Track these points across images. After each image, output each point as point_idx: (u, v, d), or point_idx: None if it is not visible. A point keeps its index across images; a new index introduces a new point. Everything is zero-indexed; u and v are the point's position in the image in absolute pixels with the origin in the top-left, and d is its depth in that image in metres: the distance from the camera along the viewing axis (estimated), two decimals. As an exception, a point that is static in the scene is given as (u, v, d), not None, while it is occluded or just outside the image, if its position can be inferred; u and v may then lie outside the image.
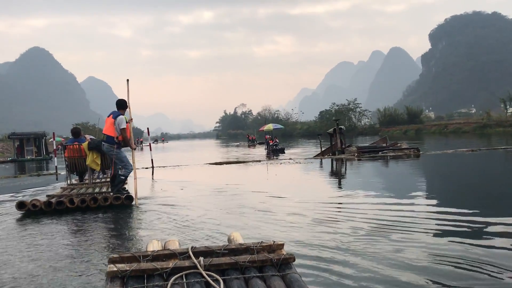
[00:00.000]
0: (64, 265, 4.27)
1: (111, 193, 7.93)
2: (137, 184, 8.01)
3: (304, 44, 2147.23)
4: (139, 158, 28.42)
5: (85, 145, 9.16)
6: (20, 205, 7.32)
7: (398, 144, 18.88)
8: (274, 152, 26.56)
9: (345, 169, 14.30)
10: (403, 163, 15.23)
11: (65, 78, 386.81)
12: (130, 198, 7.72)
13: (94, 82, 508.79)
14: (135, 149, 8.39)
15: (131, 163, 8.22)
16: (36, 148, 36.38)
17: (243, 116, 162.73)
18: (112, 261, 2.66)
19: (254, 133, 67.59)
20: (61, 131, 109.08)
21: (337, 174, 13.12)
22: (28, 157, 35.02)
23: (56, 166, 17.10)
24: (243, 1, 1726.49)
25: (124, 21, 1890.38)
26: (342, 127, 19.14)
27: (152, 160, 16.93)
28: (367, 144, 20.61)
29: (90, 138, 10.85)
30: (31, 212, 7.28)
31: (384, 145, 18.92)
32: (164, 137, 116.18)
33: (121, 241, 5.35)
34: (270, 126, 36.04)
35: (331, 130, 18.90)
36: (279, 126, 39.54)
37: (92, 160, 8.94)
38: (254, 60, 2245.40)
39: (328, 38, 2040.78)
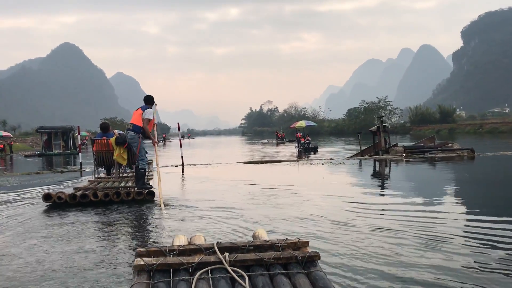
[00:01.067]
0: (90, 257, 4.28)
1: (136, 188, 8.02)
2: (168, 180, 7.99)
3: (331, 41, 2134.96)
4: (165, 154, 27.79)
5: (112, 140, 9.35)
6: (46, 197, 7.48)
7: (449, 144, 17.28)
8: (306, 151, 25.29)
9: (402, 172, 12.77)
10: (463, 166, 13.68)
11: (94, 74, 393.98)
12: (152, 193, 7.80)
13: (122, 78, 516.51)
14: (157, 143, 8.48)
15: (147, 158, 8.53)
16: (64, 142, 36.30)
17: (269, 113, 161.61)
18: (139, 254, 2.66)
19: (281, 130, 66.42)
20: (90, 125, 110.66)
21: (397, 178, 11.55)
22: (56, 151, 34.90)
23: (80, 162, 16.28)
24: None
25: (151, 18, 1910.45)
26: (386, 124, 17.68)
27: (182, 157, 15.85)
28: (412, 144, 18.95)
29: (118, 133, 10.67)
30: (56, 204, 7.43)
31: (432, 145, 17.38)
32: (190, 133, 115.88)
33: (148, 235, 5.36)
34: (302, 123, 34.24)
35: (374, 128, 17.46)
36: (312, 123, 37.51)
37: (119, 154, 9.10)
38: (280, 57, 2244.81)
39: (356, 35, 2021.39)
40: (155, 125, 8.55)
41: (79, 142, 18.33)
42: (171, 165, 16.24)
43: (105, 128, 10.62)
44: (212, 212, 6.51)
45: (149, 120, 8.07)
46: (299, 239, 2.85)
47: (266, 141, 53.66)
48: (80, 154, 17.05)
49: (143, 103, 8.44)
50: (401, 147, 16.87)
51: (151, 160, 13.29)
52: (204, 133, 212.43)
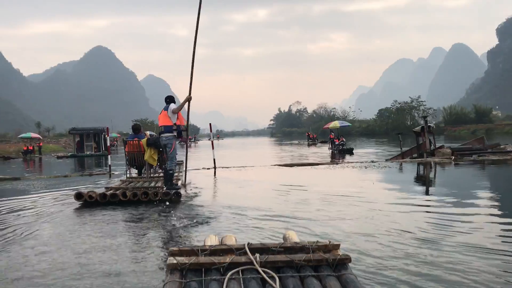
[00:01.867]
0: (123, 255, 4.38)
1: (164, 188, 8.17)
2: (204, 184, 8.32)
3: (360, 41, 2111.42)
4: (195, 156, 27.38)
5: (144, 141, 9.66)
6: (78, 196, 7.80)
7: (502, 146, 16.06)
8: (340, 153, 24.26)
9: (462, 176, 11.42)
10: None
11: (126, 76, 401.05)
12: (179, 194, 7.91)
13: (153, 80, 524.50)
14: (188, 142, 8.85)
15: (177, 159, 8.90)
16: (96, 144, 36.45)
17: (297, 114, 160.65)
18: (172, 254, 2.71)
19: (311, 130, 65.37)
20: (122, 127, 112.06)
21: (461, 184, 10.04)
22: (88, 153, 35.04)
23: (109, 165, 15.72)
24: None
25: (180, 21, 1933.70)
26: (431, 124, 16.51)
27: (214, 160, 15.14)
28: (459, 145, 17.67)
29: (150, 135, 10.66)
30: (88, 203, 7.72)
31: (481, 146, 16.12)
32: (219, 134, 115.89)
33: (180, 234, 5.36)
34: (336, 123, 32.95)
35: (418, 128, 16.35)
36: (346, 123, 35.85)
37: (150, 155, 9.35)
38: (308, 58, 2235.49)
39: (385, 34, 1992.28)
40: (184, 120, 8.87)
41: (108, 144, 17.77)
42: (203, 168, 15.66)
43: (137, 129, 10.91)
44: (266, 221, 5.77)
45: (175, 109, 8.39)
46: (329, 241, 2.81)
47: (297, 142, 52.70)
48: (109, 156, 16.44)
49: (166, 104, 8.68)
50: (449, 148, 15.69)
51: (181, 161, 12.79)
52: (232, 134, 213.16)
